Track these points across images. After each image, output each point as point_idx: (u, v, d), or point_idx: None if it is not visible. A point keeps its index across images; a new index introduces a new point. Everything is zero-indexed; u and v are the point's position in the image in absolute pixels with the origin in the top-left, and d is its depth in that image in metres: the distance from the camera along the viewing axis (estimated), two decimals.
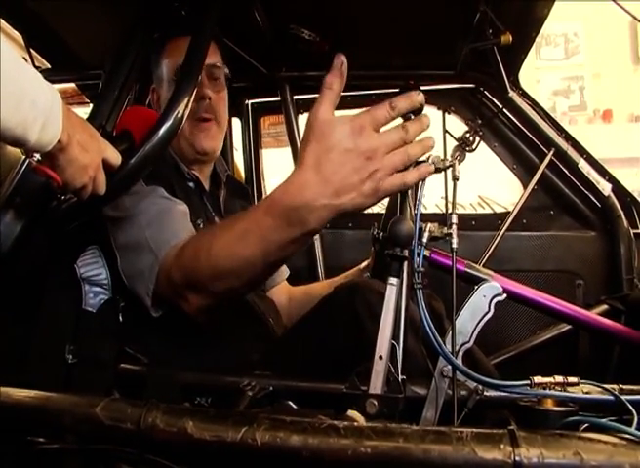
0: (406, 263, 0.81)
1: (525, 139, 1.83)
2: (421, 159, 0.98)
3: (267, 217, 0.80)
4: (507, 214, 1.82)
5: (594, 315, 1.29)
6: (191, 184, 1.29)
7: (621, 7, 1.25)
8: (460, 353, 0.82)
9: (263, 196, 2.18)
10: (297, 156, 1.92)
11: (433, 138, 0.81)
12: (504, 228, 1.75)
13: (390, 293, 0.77)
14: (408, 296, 0.86)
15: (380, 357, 0.74)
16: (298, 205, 0.77)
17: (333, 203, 0.75)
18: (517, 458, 0.54)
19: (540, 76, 4.97)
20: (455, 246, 0.87)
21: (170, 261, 1.00)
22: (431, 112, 1.86)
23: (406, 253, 0.78)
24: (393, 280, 0.77)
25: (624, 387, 0.84)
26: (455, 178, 0.95)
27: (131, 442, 0.66)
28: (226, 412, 0.66)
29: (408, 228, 0.78)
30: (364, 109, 0.77)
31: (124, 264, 1.10)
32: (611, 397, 0.72)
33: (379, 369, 0.74)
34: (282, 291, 1.49)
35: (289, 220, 0.78)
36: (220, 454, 0.63)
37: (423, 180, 0.82)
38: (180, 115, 1.03)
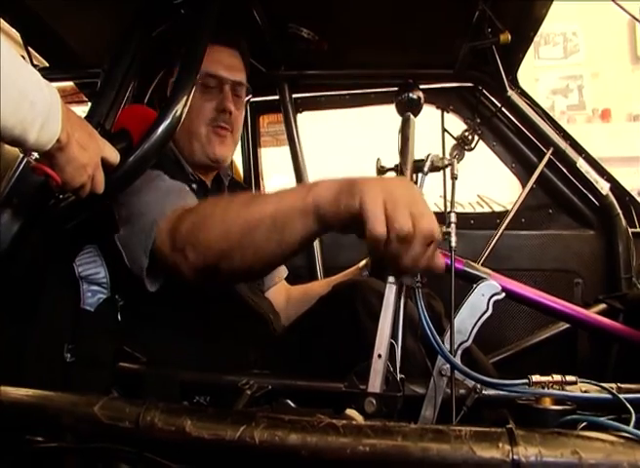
0: None
1: (524, 138, 1.83)
2: (420, 158, 0.99)
3: (291, 189, 0.85)
4: (506, 212, 1.82)
5: (592, 314, 1.29)
6: (194, 186, 1.29)
7: (620, 6, 1.25)
8: (459, 352, 0.82)
9: None
10: (295, 155, 1.94)
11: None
12: (503, 227, 1.75)
13: (389, 292, 0.77)
14: (407, 295, 0.86)
15: (379, 356, 0.74)
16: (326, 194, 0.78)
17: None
18: (515, 457, 0.54)
19: (539, 75, 4.98)
20: (453, 244, 0.87)
21: (178, 215, 0.97)
22: (430, 111, 1.85)
23: None
24: (392, 279, 0.77)
25: (623, 386, 0.84)
26: (453, 177, 0.95)
27: (129, 440, 0.66)
28: (225, 411, 0.66)
29: None
30: None
31: (123, 234, 1.05)
32: (609, 396, 0.72)
33: (377, 367, 0.74)
34: (280, 290, 1.49)
35: (305, 194, 0.80)
36: (218, 453, 0.63)
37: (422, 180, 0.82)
38: (178, 114, 1.03)
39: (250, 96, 1.40)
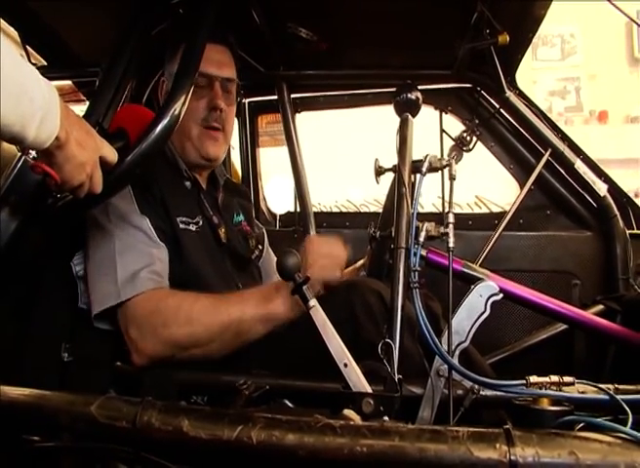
0: (403, 262, 0.81)
1: (522, 140, 1.83)
2: (418, 158, 0.99)
3: (251, 294, 1.08)
4: (504, 213, 1.82)
5: (590, 315, 1.29)
6: (187, 183, 1.29)
7: (617, 8, 1.26)
8: (457, 352, 0.82)
9: (260, 195, 2.19)
10: (294, 155, 1.94)
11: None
12: (501, 228, 1.75)
13: (316, 313, 0.83)
14: (405, 296, 0.86)
15: (345, 365, 0.75)
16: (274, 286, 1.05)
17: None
18: (513, 457, 0.54)
19: (537, 77, 4.99)
20: (451, 245, 0.88)
21: (143, 299, 1.04)
22: (428, 112, 1.86)
23: None
24: (313, 302, 0.83)
25: (619, 387, 0.84)
26: (452, 178, 0.95)
27: (126, 440, 0.66)
28: (222, 411, 0.66)
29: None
30: None
31: (88, 271, 1.11)
32: (606, 396, 0.72)
33: (351, 375, 0.74)
34: None
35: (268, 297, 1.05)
36: (215, 453, 0.63)
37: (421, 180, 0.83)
38: (176, 113, 1.03)
39: (241, 92, 1.38)
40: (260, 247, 1.45)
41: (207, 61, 1.17)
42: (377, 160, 1.09)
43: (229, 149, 2.13)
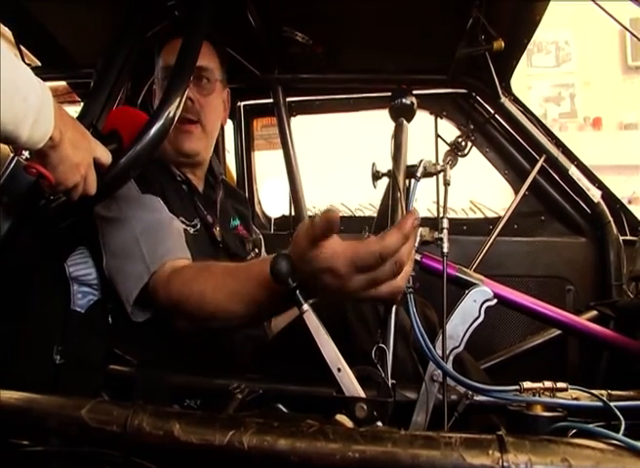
0: None
1: (516, 145, 1.84)
2: (413, 163, 0.99)
3: (261, 290, 0.85)
4: (498, 219, 1.83)
5: (583, 321, 1.29)
6: (184, 186, 1.28)
7: (611, 16, 1.26)
8: (451, 357, 0.82)
9: (255, 199, 2.19)
10: (289, 158, 1.94)
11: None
12: (495, 233, 1.76)
13: (309, 317, 0.76)
14: (399, 302, 0.86)
15: (339, 369, 0.74)
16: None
17: None
18: (505, 464, 0.54)
19: (532, 83, 5.02)
20: (446, 250, 0.88)
21: (162, 283, 1.01)
22: (424, 117, 1.86)
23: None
24: (306, 306, 0.75)
25: (613, 393, 0.84)
26: (446, 183, 0.95)
27: (116, 444, 0.65)
28: (213, 416, 0.66)
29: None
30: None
31: (110, 265, 1.10)
32: (599, 403, 0.72)
33: (344, 379, 0.74)
34: None
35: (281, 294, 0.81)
36: (206, 458, 0.62)
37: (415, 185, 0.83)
38: (170, 115, 1.03)
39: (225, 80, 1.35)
40: (257, 250, 1.45)
41: (174, 54, 1.13)
42: (374, 164, 1.09)
43: (224, 152, 2.13)
